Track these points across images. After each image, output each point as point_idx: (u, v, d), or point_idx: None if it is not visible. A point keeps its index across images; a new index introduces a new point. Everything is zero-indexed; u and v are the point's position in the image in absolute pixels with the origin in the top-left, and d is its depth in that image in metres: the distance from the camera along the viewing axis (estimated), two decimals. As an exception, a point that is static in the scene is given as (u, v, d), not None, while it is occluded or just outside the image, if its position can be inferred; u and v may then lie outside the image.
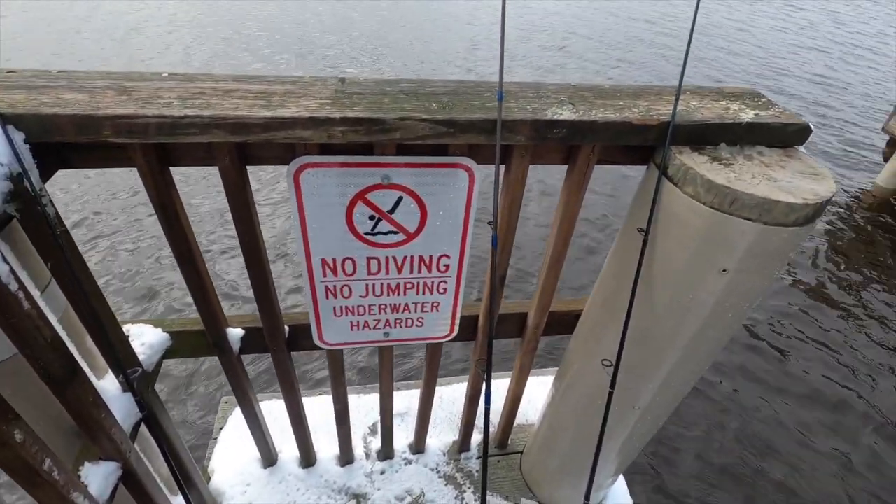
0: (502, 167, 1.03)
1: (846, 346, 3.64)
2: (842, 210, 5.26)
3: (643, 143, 1.01)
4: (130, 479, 1.13)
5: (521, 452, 2.04)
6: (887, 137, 5.66)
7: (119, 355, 1.09)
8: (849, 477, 2.80)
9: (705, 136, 1.00)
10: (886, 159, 5.62)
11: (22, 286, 0.76)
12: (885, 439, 3.01)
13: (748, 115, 1.02)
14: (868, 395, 3.29)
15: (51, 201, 0.85)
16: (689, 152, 0.98)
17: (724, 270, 0.95)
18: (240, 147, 0.95)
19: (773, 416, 3.11)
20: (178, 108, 0.83)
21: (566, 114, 0.96)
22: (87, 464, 1.03)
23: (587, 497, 1.24)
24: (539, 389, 2.11)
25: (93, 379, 0.99)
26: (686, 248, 0.98)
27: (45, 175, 0.87)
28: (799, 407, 3.18)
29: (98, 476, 1.03)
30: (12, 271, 0.75)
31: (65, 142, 0.83)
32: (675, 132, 0.97)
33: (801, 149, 1.05)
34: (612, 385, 1.14)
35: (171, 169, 0.98)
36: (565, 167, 1.12)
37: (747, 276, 0.96)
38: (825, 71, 9.02)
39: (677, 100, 1.00)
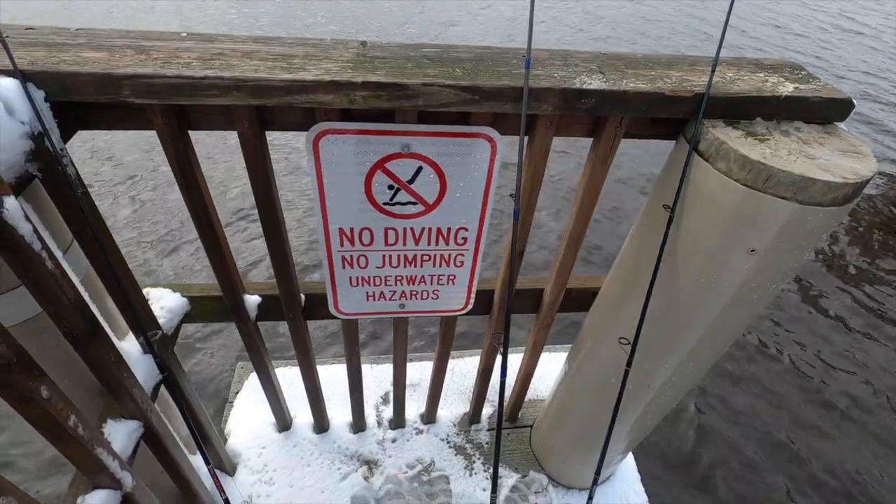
0: (525, 138, 1.00)
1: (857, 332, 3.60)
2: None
3: (674, 116, 0.97)
4: (151, 437, 1.17)
5: (532, 426, 2.06)
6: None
7: (140, 317, 1.11)
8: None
9: (740, 110, 0.96)
10: (920, 142, 5.41)
11: (45, 246, 0.77)
12: None
13: (787, 89, 0.97)
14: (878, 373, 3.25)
15: (71, 161, 0.85)
16: (722, 126, 0.94)
17: (753, 250, 0.92)
18: (259, 111, 0.93)
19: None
20: (198, 68, 0.81)
21: (596, 83, 0.92)
22: (110, 421, 1.06)
23: (597, 473, 1.25)
24: (550, 365, 2.11)
25: (114, 340, 1.01)
26: (714, 227, 0.95)
27: (66, 136, 0.86)
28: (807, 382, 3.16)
29: (121, 434, 1.06)
30: (35, 231, 0.75)
31: (84, 102, 0.82)
32: (708, 105, 0.93)
33: (842, 126, 1.00)
34: (629, 363, 1.13)
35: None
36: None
37: (777, 257, 0.93)
38: (853, 53, 8.61)
39: (713, 71, 0.96)
